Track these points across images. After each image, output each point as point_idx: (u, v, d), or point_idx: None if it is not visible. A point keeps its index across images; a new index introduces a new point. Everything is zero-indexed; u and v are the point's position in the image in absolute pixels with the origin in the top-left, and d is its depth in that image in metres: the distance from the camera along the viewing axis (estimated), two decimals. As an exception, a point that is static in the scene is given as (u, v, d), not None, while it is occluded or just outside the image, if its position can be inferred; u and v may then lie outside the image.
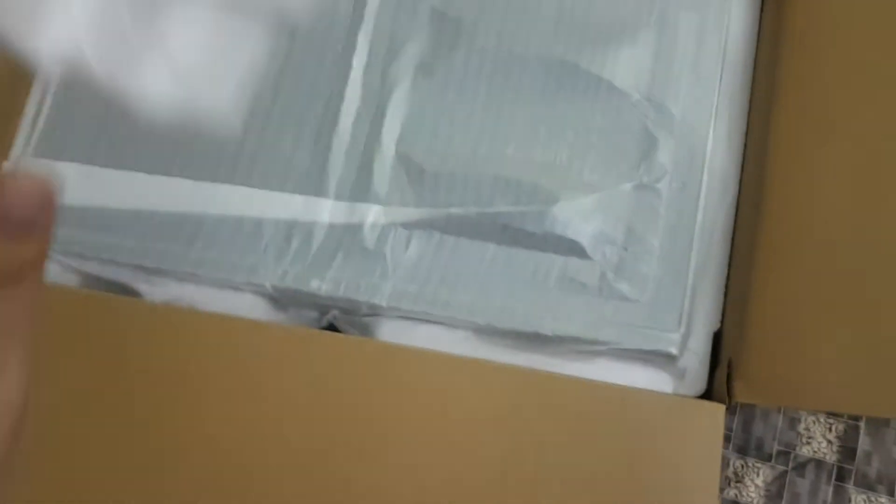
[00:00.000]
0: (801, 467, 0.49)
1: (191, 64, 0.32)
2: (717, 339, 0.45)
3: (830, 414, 0.50)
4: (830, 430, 0.49)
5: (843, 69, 0.43)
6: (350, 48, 0.50)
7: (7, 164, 0.50)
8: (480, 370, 0.42)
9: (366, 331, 0.47)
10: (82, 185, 0.49)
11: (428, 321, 0.46)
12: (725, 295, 0.45)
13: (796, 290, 0.40)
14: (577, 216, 0.45)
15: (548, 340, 0.44)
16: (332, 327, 0.48)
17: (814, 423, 0.50)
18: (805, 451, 0.49)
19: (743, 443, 0.49)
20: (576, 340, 0.44)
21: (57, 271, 0.48)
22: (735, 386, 0.40)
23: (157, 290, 0.47)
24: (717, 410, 0.40)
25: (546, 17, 0.50)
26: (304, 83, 0.49)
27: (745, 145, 0.47)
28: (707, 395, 0.43)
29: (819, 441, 0.49)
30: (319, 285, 0.46)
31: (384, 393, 0.42)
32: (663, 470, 0.40)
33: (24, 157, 0.50)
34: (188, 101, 0.31)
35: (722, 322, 0.44)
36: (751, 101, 0.48)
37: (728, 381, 0.41)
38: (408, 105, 0.49)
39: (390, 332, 0.46)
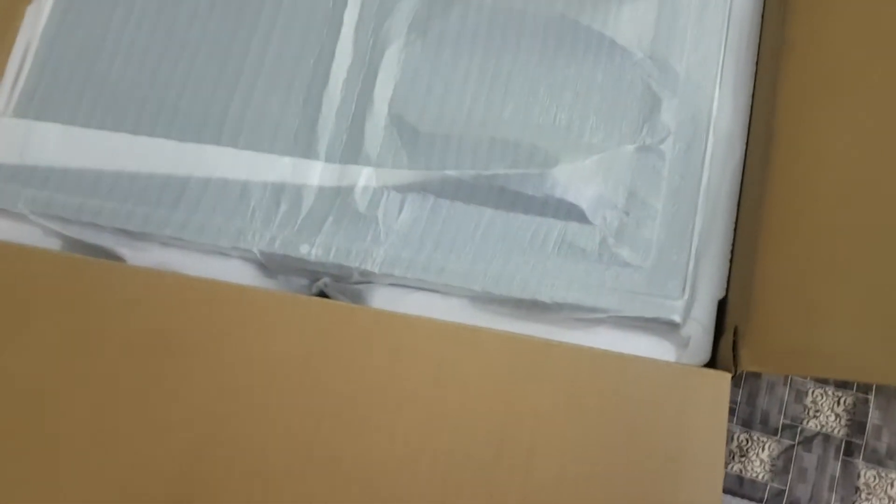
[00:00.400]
0: (808, 441, 0.47)
1: None
2: (722, 307, 0.43)
3: (839, 386, 0.48)
4: (839, 403, 0.48)
5: (851, 25, 0.41)
6: (341, 4, 0.48)
7: (-13, 125, 0.49)
8: (476, 337, 0.40)
9: (357, 298, 0.45)
10: (64, 145, 0.47)
11: (422, 289, 0.45)
12: (731, 261, 0.43)
13: (804, 254, 0.38)
14: (577, 179, 0.43)
15: (546, 308, 0.42)
16: (322, 295, 0.46)
17: (821, 395, 0.48)
18: (812, 425, 0.48)
19: (748, 416, 0.48)
20: (575, 308, 0.42)
21: (38, 235, 0.47)
22: (741, 354, 0.38)
23: (141, 255, 0.46)
24: (722, 379, 0.38)
25: (546, -28, 0.48)
26: (294, 40, 0.48)
27: (752, 105, 0.45)
28: (711, 365, 0.42)
29: (827, 414, 0.48)
30: (309, 250, 0.44)
31: (376, 361, 0.40)
32: (666, 441, 0.38)
33: (5, 116, 0.48)
34: None
35: (727, 289, 0.43)
36: (758, 59, 0.46)
37: (734, 348, 0.39)
38: (401, 64, 0.47)
39: (382, 299, 0.45)
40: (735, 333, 0.39)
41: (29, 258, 0.44)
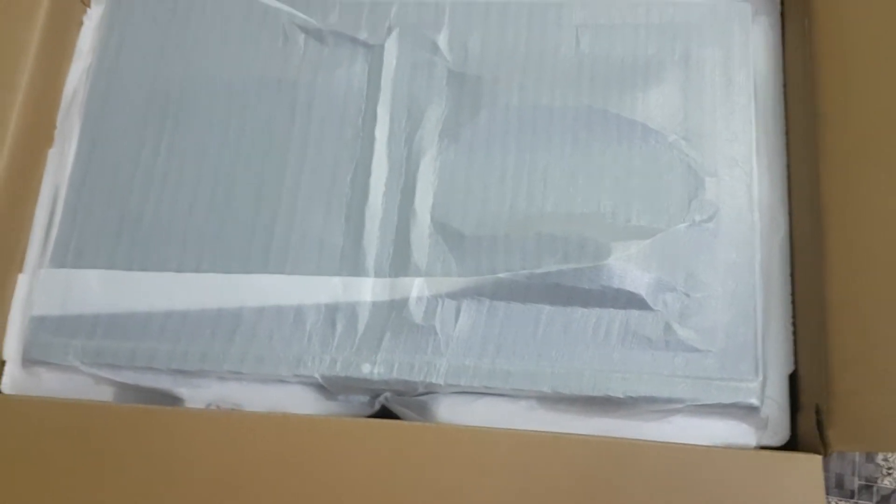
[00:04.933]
0: (885, 500, 0.47)
1: None
2: (791, 381, 0.43)
3: (909, 441, 0.48)
4: (910, 457, 0.48)
5: (884, 92, 0.42)
6: (371, 120, 0.48)
7: (23, 276, 0.48)
8: (558, 444, 0.40)
9: (422, 410, 0.44)
10: (107, 291, 0.46)
11: (487, 393, 0.44)
12: (793, 334, 0.43)
13: (877, 323, 0.38)
14: (632, 266, 0.43)
15: (620, 403, 0.42)
16: (384, 409, 0.46)
17: (892, 452, 0.48)
18: (887, 483, 0.48)
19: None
20: (651, 401, 0.42)
21: (89, 384, 0.46)
22: (829, 434, 0.38)
23: (200, 393, 0.45)
24: (814, 462, 0.38)
25: (566, 65, 0.48)
26: (328, 159, 0.48)
27: (789, 177, 0.46)
28: (792, 443, 0.42)
29: (900, 470, 0.48)
30: (371, 369, 0.44)
31: (461, 480, 0.40)
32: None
33: (42, 268, 0.47)
34: None
35: (795, 363, 0.43)
36: (787, 132, 0.47)
37: (819, 429, 0.39)
38: (437, 171, 0.47)
39: (448, 408, 0.44)
40: (818, 413, 0.39)
41: (88, 414, 0.42)
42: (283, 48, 0.50)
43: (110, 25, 0.51)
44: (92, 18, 0.53)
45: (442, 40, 0.49)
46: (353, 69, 0.49)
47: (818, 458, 0.38)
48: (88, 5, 0.53)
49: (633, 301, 0.43)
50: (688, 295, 0.43)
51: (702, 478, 0.38)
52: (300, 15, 0.50)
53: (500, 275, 0.44)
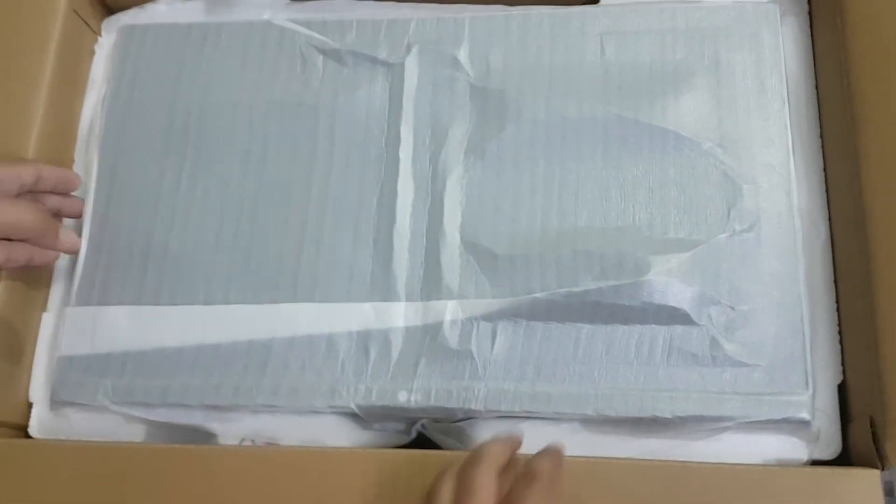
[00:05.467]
0: (938, 506, 0.46)
1: None
2: (840, 391, 0.42)
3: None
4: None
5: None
6: (394, 140, 0.47)
7: (47, 316, 0.47)
8: (609, 471, 0.39)
9: (461, 436, 0.43)
10: (135, 327, 0.45)
11: (528, 417, 0.43)
12: (840, 342, 0.42)
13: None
14: (673, 279, 0.42)
15: (667, 423, 0.41)
16: (421, 436, 0.45)
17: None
18: (939, 489, 0.46)
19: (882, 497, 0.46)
20: (699, 420, 0.40)
21: (119, 424, 0.45)
22: (886, 447, 0.37)
23: (233, 427, 0.44)
24: (872, 477, 0.37)
25: (592, 74, 0.47)
26: (353, 184, 0.46)
27: (826, 181, 0.45)
28: (844, 456, 0.40)
29: (951, 476, 0.46)
30: (408, 397, 0.43)
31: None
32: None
33: (66, 306, 0.46)
34: None
35: (843, 373, 0.41)
36: (821, 136, 0.45)
37: (875, 441, 0.37)
38: (464, 189, 0.46)
39: (488, 433, 0.43)
40: (872, 424, 0.38)
41: (121, 456, 0.41)
42: (301, 71, 0.49)
43: (123, 54, 0.51)
44: (104, 47, 0.52)
45: (463, 55, 0.48)
46: (373, 89, 0.48)
47: (876, 473, 0.37)
48: (100, 34, 0.52)
49: (676, 316, 0.42)
50: (733, 308, 0.42)
51: (758, 498, 0.37)
52: (317, 36, 0.49)
53: (537, 294, 0.43)
